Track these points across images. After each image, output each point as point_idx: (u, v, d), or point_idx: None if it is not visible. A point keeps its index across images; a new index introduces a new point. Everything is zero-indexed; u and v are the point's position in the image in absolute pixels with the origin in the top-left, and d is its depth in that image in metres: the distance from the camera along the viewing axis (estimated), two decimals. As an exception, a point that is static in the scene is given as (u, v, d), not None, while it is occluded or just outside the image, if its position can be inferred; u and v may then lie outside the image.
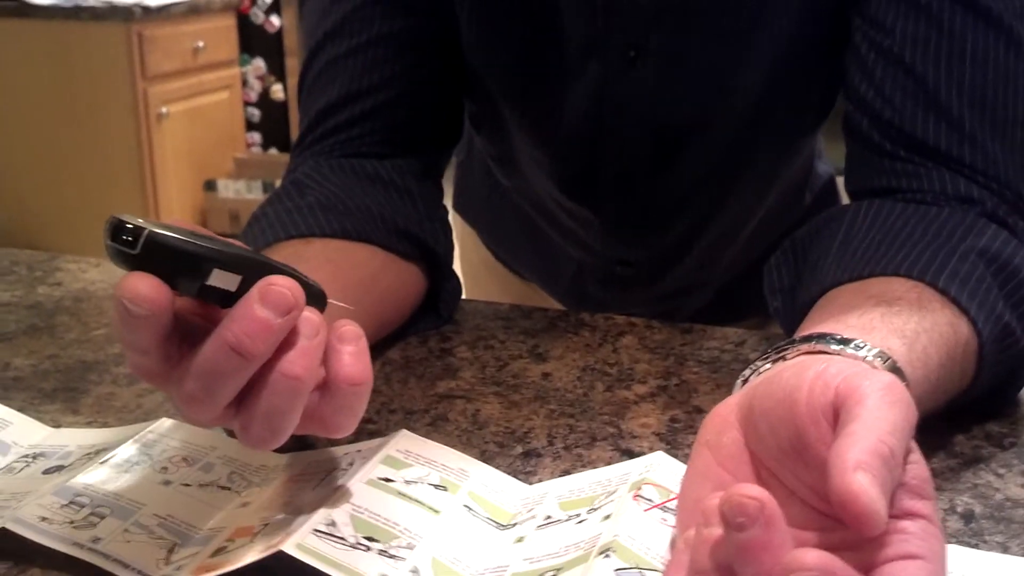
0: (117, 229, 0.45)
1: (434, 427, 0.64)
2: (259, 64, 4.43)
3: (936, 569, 0.39)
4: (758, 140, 0.84)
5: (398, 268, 0.76)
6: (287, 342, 0.47)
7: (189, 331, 0.48)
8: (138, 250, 0.45)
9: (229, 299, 0.47)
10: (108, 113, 3.57)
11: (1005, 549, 0.50)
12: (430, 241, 0.78)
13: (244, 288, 0.47)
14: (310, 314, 0.48)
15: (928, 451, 0.59)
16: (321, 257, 0.68)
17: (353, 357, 0.49)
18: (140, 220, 0.45)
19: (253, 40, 4.39)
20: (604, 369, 0.72)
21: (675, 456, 0.55)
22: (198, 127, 3.89)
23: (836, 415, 0.42)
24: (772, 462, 0.45)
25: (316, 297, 0.50)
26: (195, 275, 0.47)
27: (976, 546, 0.50)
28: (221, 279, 0.47)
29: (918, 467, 0.42)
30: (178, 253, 0.46)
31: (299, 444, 0.59)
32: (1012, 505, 0.54)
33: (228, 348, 0.45)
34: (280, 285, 0.46)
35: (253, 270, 0.47)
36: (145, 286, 0.45)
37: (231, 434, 0.61)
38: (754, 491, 0.37)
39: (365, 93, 0.79)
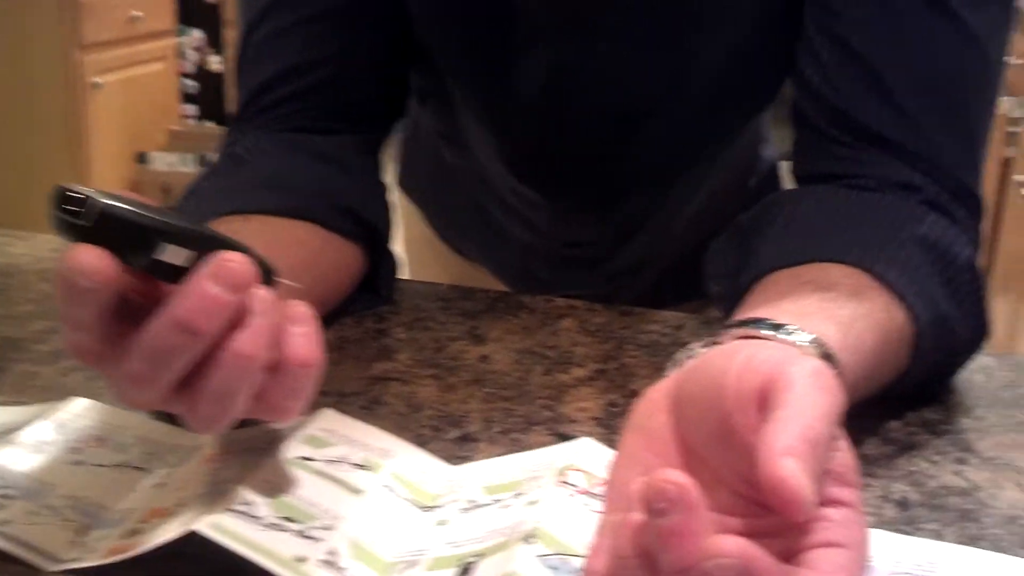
0: (64, 199, 0.43)
1: (368, 410, 0.63)
2: (197, 35, 4.35)
3: (857, 557, 0.39)
4: (711, 122, 0.84)
5: (338, 246, 0.74)
6: (238, 320, 0.45)
7: (130, 310, 0.46)
8: (86, 221, 0.43)
9: (178, 274, 0.45)
10: (40, 82, 3.48)
11: (939, 536, 0.50)
12: (371, 219, 0.77)
13: (194, 263, 0.45)
14: (262, 291, 0.46)
15: (863, 437, 0.60)
16: (260, 234, 0.65)
17: (304, 338, 0.48)
18: (89, 190, 0.44)
19: (191, 11, 4.30)
20: (543, 352, 0.71)
21: (613, 441, 0.54)
22: (132, 98, 3.81)
23: (764, 401, 0.42)
24: (699, 447, 0.45)
25: (267, 274, 0.49)
26: (145, 249, 0.45)
27: (911, 533, 0.51)
28: (172, 254, 0.45)
29: (844, 454, 0.42)
30: (128, 225, 0.44)
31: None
32: (946, 492, 0.54)
33: (177, 325, 0.44)
34: (232, 261, 0.45)
35: (204, 245, 0.46)
36: (92, 258, 0.43)
37: (156, 415, 0.59)
38: (675, 476, 0.37)
39: (307, 67, 0.77)
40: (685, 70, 0.79)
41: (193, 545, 0.45)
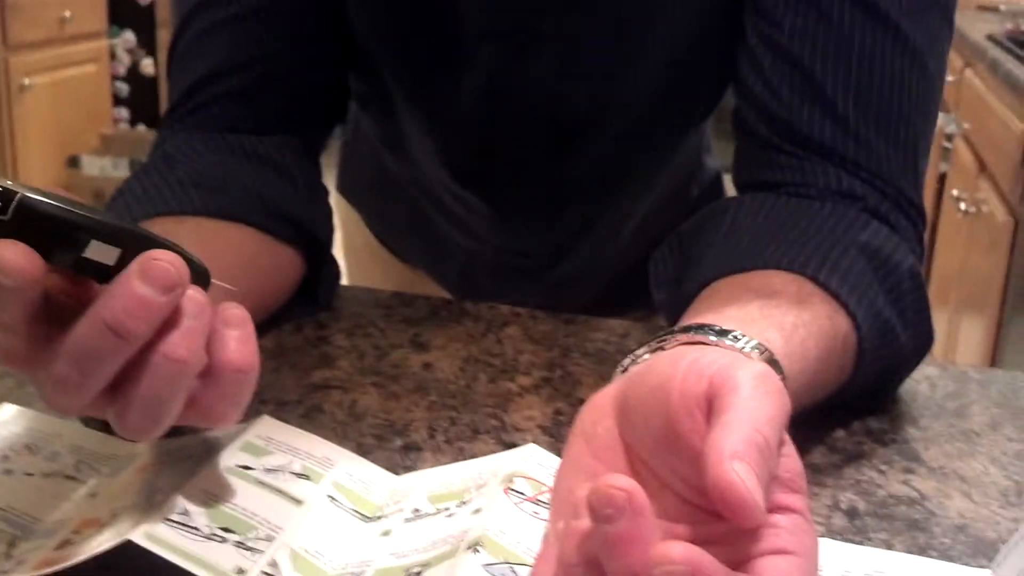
0: None
1: (308, 418, 0.61)
2: (129, 37, 4.27)
3: (806, 565, 0.39)
4: (652, 131, 0.84)
5: (275, 251, 0.72)
6: (170, 323, 0.43)
7: (58, 311, 0.44)
8: (8, 216, 0.41)
9: (106, 274, 0.43)
10: (-35, 82, 3.40)
11: (889, 546, 0.50)
12: (309, 223, 0.75)
13: (123, 263, 0.43)
14: (195, 293, 0.44)
15: (809, 446, 0.60)
16: (194, 237, 0.64)
17: (239, 342, 0.46)
18: (10, 183, 0.41)
19: (123, 12, 4.22)
20: (487, 360, 0.70)
21: (560, 450, 0.53)
22: (63, 100, 3.73)
23: (709, 405, 0.42)
24: (646, 453, 0.44)
25: (200, 275, 0.47)
26: (70, 246, 0.43)
27: (861, 543, 0.50)
28: (99, 252, 0.43)
29: (791, 460, 0.41)
30: (53, 221, 0.42)
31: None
32: (895, 502, 0.54)
33: (105, 327, 0.42)
34: (163, 260, 0.43)
35: (134, 243, 0.44)
36: (15, 255, 0.41)
37: (89, 423, 0.57)
38: (622, 482, 0.36)
39: (243, 65, 0.75)
40: (623, 80, 0.79)
41: (128, 557, 0.43)
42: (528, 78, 0.78)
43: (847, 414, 0.63)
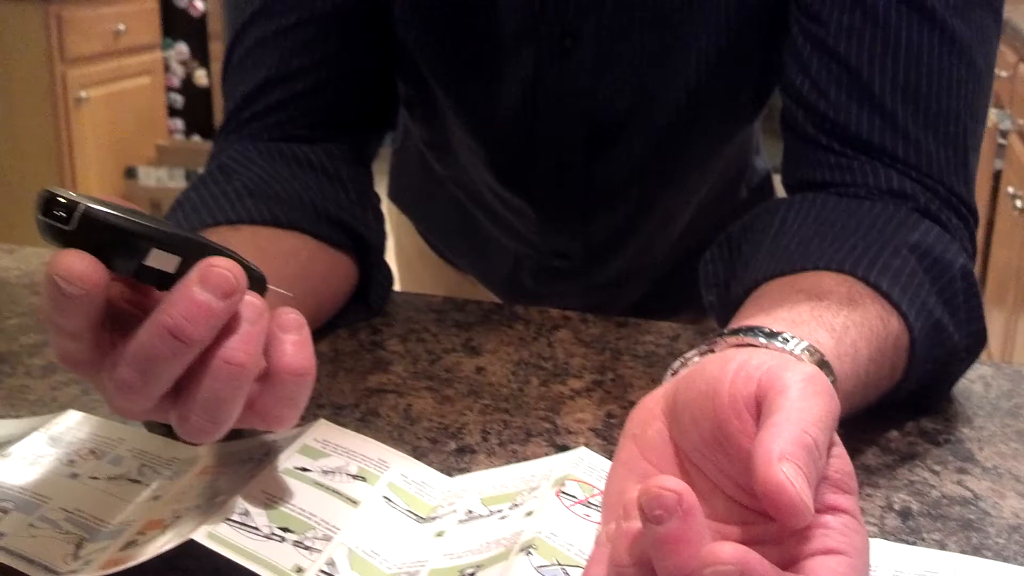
0: (50, 203, 0.43)
1: (364, 422, 0.62)
2: (182, 48, 4.34)
3: (858, 564, 0.39)
4: (693, 131, 0.84)
5: (329, 257, 0.74)
6: (228, 327, 0.45)
7: (120, 317, 0.46)
8: (73, 226, 0.42)
9: (167, 281, 0.45)
10: (25, 97, 3.46)
11: (943, 546, 0.50)
12: (362, 229, 0.76)
13: (183, 270, 0.45)
14: (252, 298, 0.45)
15: (863, 447, 0.59)
16: (250, 245, 0.65)
17: (296, 346, 0.47)
18: (74, 194, 0.43)
19: (176, 24, 4.29)
20: (539, 363, 0.71)
21: (611, 452, 0.54)
22: (118, 112, 3.79)
23: (758, 407, 0.42)
24: (695, 454, 0.44)
25: (257, 281, 0.48)
26: (132, 254, 0.44)
27: (914, 543, 0.50)
28: (159, 259, 0.45)
29: (840, 461, 0.41)
30: (115, 230, 0.43)
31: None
32: (948, 503, 0.54)
33: (166, 332, 0.43)
34: (221, 267, 0.44)
35: (193, 251, 0.45)
36: (80, 264, 0.42)
37: (152, 427, 0.59)
38: (672, 483, 0.36)
39: (294, 75, 0.77)
40: (662, 79, 0.79)
41: (190, 557, 0.45)
42: (569, 79, 0.79)
43: (900, 415, 0.63)
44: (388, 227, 0.83)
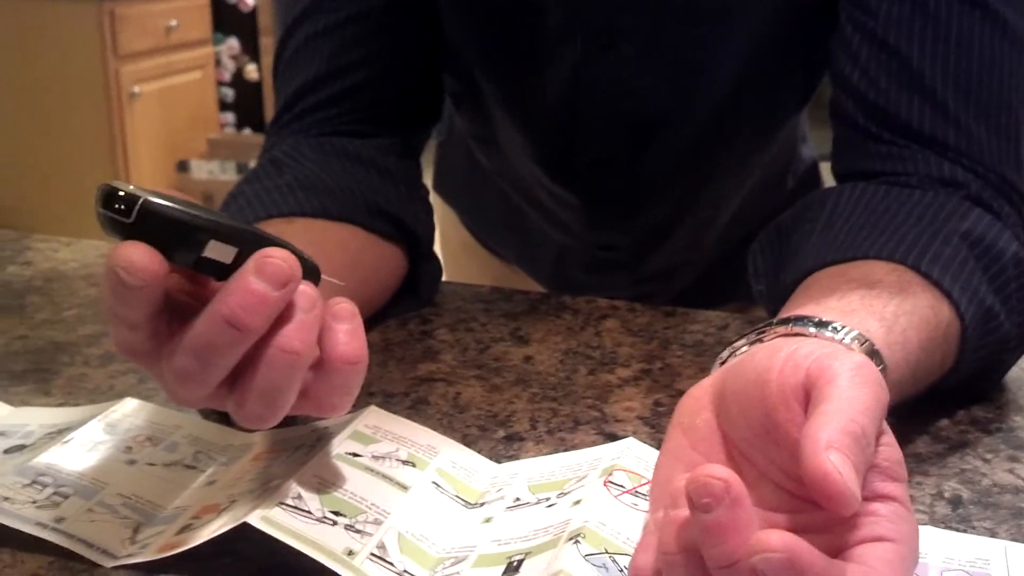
0: (110, 197, 0.44)
1: (415, 410, 0.63)
2: (233, 43, 4.38)
3: (906, 552, 0.39)
4: (737, 123, 0.84)
5: (379, 249, 0.75)
6: (284, 316, 0.46)
7: (177, 308, 0.47)
8: (132, 219, 0.44)
9: (224, 272, 0.46)
10: (79, 92, 3.52)
11: (993, 535, 0.50)
12: (411, 222, 0.77)
13: (239, 261, 0.46)
14: (307, 288, 0.46)
15: (914, 436, 0.59)
16: (303, 237, 0.66)
17: (349, 335, 0.48)
18: (133, 188, 0.44)
19: (227, 19, 4.33)
20: (587, 352, 0.71)
21: (660, 441, 0.54)
22: (171, 107, 3.85)
23: (807, 396, 0.42)
24: (744, 443, 0.45)
25: (311, 272, 0.49)
26: (191, 246, 0.45)
27: (964, 531, 0.50)
28: (217, 251, 0.46)
29: (890, 449, 0.41)
30: (174, 223, 0.44)
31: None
32: (999, 491, 0.54)
33: (224, 321, 0.44)
34: (277, 257, 0.45)
35: (249, 242, 0.46)
36: (140, 255, 0.43)
37: (207, 415, 0.60)
38: (720, 471, 0.36)
39: (344, 71, 0.78)
40: (704, 72, 0.79)
41: (245, 540, 0.46)
42: (610, 73, 0.79)
43: (952, 403, 0.63)
44: (434, 219, 0.84)
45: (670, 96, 0.80)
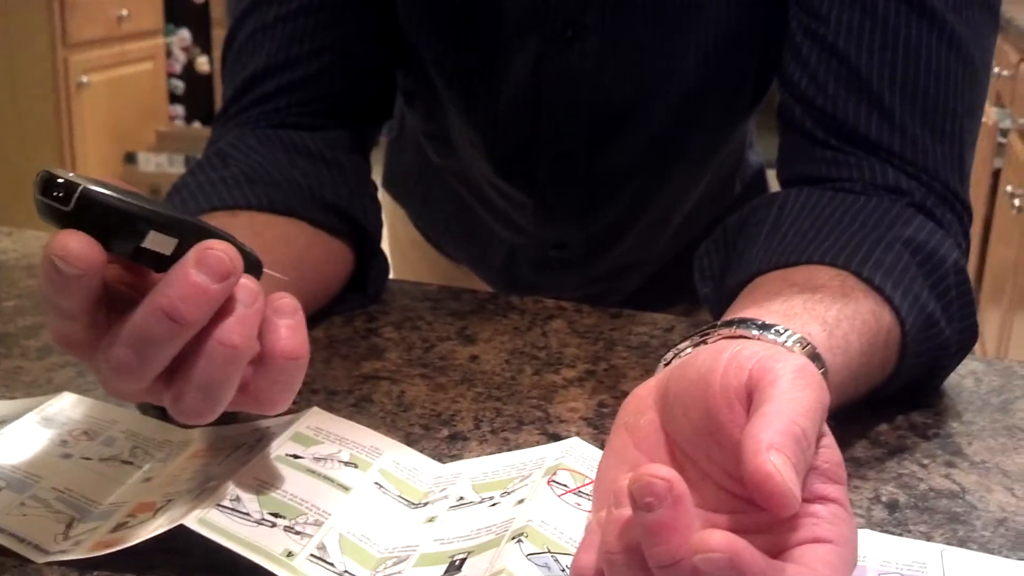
0: (48, 184, 0.43)
1: (358, 408, 0.63)
2: (184, 35, 4.34)
3: (846, 553, 0.39)
4: (694, 123, 0.84)
5: (326, 244, 0.74)
6: (224, 310, 0.45)
7: (115, 299, 0.46)
8: (71, 207, 0.43)
9: (163, 263, 0.45)
10: (26, 80, 3.46)
11: (929, 538, 0.50)
12: (359, 217, 0.76)
13: (180, 252, 0.45)
14: (248, 282, 0.46)
15: (852, 440, 0.60)
16: (247, 230, 0.66)
17: (290, 330, 0.47)
18: (72, 175, 0.43)
19: (178, 10, 4.29)
20: (533, 353, 0.71)
21: (603, 442, 0.54)
22: (120, 98, 3.79)
23: (749, 397, 0.42)
24: (686, 444, 0.45)
25: (253, 265, 0.48)
26: (130, 236, 0.44)
27: (901, 535, 0.51)
28: (156, 241, 0.45)
29: (830, 451, 0.42)
30: (113, 212, 0.44)
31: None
32: (936, 495, 0.54)
33: (162, 313, 0.43)
34: (217, 249, 0.45)
35: (190, 233, 0.46)
36: (78, 244, 0.43)
37: (146, 410, 0.59)
38: (663, 471, 0.37)
39: (293, 62, 0.77)
40: (664, 71, 0.79)
41: (180, 539, 0.45)
42: (572, 70, 0.79)
43: (891, 408, 0.63)
44: (382, 216, 0.83)
45: (631, 92, 0.81)
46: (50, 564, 0.47)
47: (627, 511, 0.39)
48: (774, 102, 0.76)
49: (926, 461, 0.58)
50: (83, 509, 0.50)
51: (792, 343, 0.50)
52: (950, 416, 0.64)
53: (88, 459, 0.54)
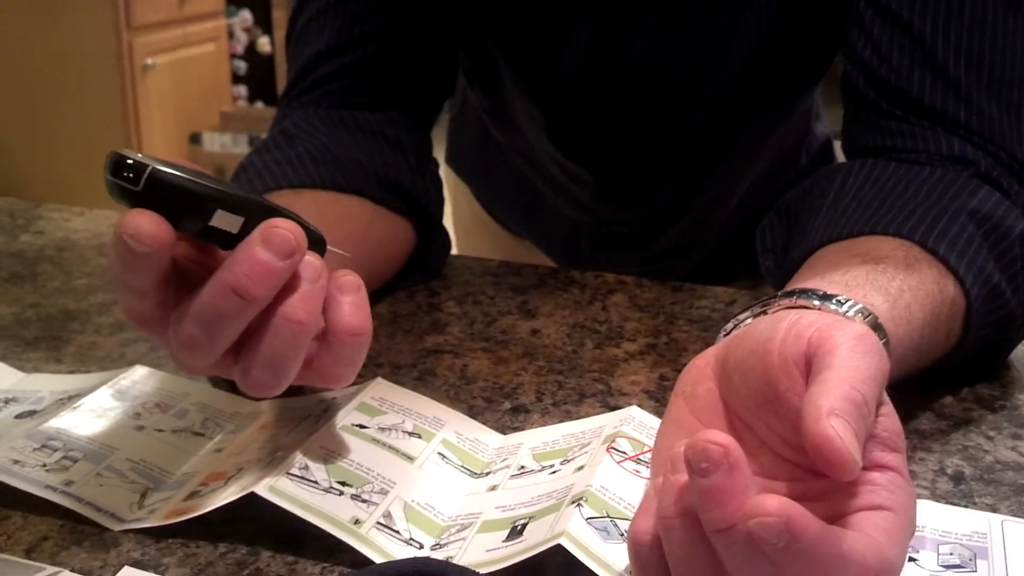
0: (119, 164, 0.44)
1: (422, 381, 0.64)
2: (246, 16, 4.37)
3: (903, 521, 0.39)
4: (754, 99, 0.83)
5: (388, 221, 0.75)
6: (289, 286, 0.46)
7: (184, 276, 0.47)
8: (140, 187, 0.44)
9: (230, 241, 0.46)
10: (92, 64, 3.52)
11: (994, 510, 0.50)
12: (420, 195, 0.77)
13: (246, 231, 0.46)
14: (312, 259, 0.47)
15: (918, 412, 0.59)
16: (312, 208, 0.66)
17: (353, 307, 0.48)
18: (142, 156, 0.44)
19: (240, -9, 4.33)
20: (593, 327, 0.72)
21: (663, 413, 0.54)
22: (184, 79, 3.84)
23: (808, 365, 0.42)
24: (745, 412, 0.45)
25: (317, 243, 0.50)
26: (198, 215, 0.46)
27: (965, 507, 0.50)
28: (223, 220, 0.46)
29: (889, 420, 0.42)
30: (181, 192, 0.45)
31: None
32: (1002, 468, 0.54)
33: (230, 290, 0.45)
34: (283, 228, 0.46)
35: (256, 212, 0.47)
36: (148, 223, 0.44)
37: (217, 383, 0.60)
38: (719, 437, 0.37)
39: (355, 42, 0.78)
40: (720, 48, 0.79)
41: (251, 508, 0.46)
42: (627, 48, 0.79)
43: (957, 380, 0.63)
44: (445, 192, 0.84)
45: (687, 71, 0.80)
46: (126, 532, 0.48)
47: (684, 477, 0.39)
48: (838, 72, 0.75)
49: (992, 433, 0.58)
50: (157, 479, 0.52)
51: (854, 313, 0.49)
52: (1016, 388, 0.63)
53: (161, 431, 0.56)
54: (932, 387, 0.61)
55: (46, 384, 0.62)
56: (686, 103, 0.83)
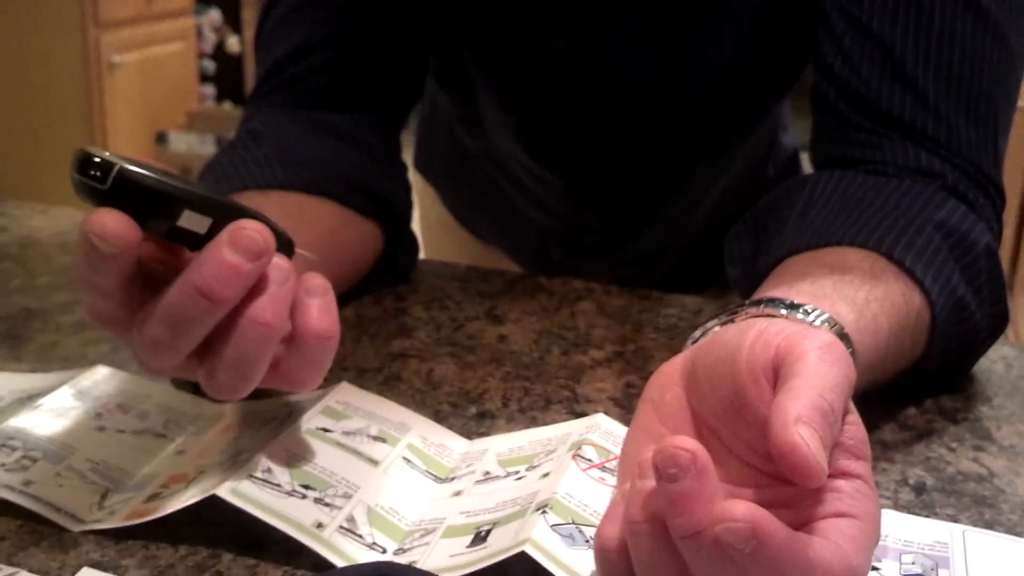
0: (85, 162, 0.44)
1: (387, 386, 0.63)
2: (214, 15, 4.35)
3: (868, 528, 0.39)
4: (727, 106, 0.84)
5: (356, 224, 0.74)
6: (256, 288, 0.46)
7: (150, 277, 0.47)
8: (107, 185, 0.43)
9: (198, 242, 0.46)
10: (58, 60, 3.48)
11: (955, 521, 0.50)
12: (389, 198, 0.77)
13: (213, 231, 0.46)
14: (280, 261, 0.47)
15: (881, 423, 0.60)
16: (278, 210, 0.66)
17: (321, 310, 0.48)
18: (109, 154, 0.44)
19: (209, -10, 4.30)
20: (561, 333, 0.71)
21: (629, 421, 0.54)
22: (150, 78, 3.81)
23: (776, 373, 0.43)
24: (712, 419, 0.45)
25: (285, 245, 0.49)
26: (165, 215, 0.45)
27: (927, 517, 0.51)
28: (191, 221, 0.46)
29: (855, 428, 0.42)
30: (149, 191, 0.44)
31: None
32: (963, 479, 0.54)
33: (196, 291, 0.44)
34: (251, 229, 0.45)
35: (224, 213, 0.46)
36: (114, 222, 0.43)
37: (180, 385, 0.60)
38: (687, 443, 0.37)
39: (326, 43, 0.77)
40: (698, 53, 0.79)
41: (212, 511, 0.46)
42: (605, 50, 0.79)
43: (920, 392, 0.63)
44: (413, 197, 0.84)
45: (663, 77, 0.80)
46: (85, 532, 0.48)
47: (651, 482, 0.39)
48: (808, 84, 0.76)
49: (954, 445, 0.58)
50: (117, 480, 0.51)
51: (821, 323, 0.50)
52: (979, 400, 0.64)
53: (122, 432, 0.55)
54: (895, 398, 0.62)
55: (5, 383, 0.61)
56: (659, 109, 0.83)
